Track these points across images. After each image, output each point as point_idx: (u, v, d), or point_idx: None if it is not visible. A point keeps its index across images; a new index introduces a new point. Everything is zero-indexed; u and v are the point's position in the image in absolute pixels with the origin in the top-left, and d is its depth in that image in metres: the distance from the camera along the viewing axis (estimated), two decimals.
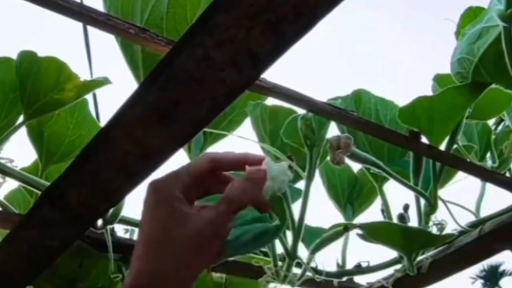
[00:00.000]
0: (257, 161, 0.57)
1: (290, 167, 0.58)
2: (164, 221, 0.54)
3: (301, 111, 0.98)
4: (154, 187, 0.55)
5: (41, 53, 0.96)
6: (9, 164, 0.95)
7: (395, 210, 1.13)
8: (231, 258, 1.13)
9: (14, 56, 0.97)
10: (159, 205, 0.54)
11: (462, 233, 1.12)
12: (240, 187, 0.55)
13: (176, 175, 0.56)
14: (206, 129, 1.02)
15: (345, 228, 1.05)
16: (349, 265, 1.14)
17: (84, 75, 0.98)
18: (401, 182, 1.06)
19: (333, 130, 1.03)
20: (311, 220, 1.05)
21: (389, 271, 1.13)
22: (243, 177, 0.56)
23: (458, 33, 1.05)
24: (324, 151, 1.00)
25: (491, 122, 1.19)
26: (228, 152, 0.58)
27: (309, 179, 1.01)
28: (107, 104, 1.07)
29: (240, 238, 0.88)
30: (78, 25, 0.99)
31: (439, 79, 1.13)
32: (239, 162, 0.57)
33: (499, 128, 1.21)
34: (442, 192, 1.09)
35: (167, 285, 0.53)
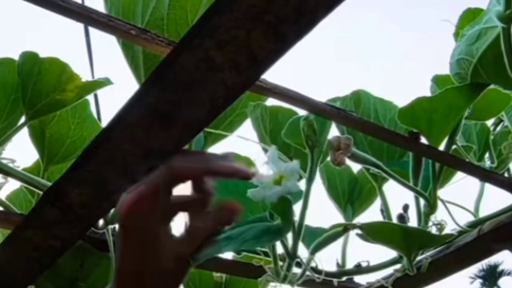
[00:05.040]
0: (225, 172, 0.52)
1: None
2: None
3: (301, 111, 0.98)
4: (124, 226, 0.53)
5: (43, 54, 0.96)
6: (11, 165, 0.95)
7: (395, 210, 1.13)
8: (232, 258, 1.13)
9: (15, 56, 0.98)
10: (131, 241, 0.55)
11: (461, 233, 1.12)
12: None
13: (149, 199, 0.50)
14: (208, 130, 1.02)
15: (345, 229, 1.05)
16: (349, 265, 1.14)
17: (85, 76, 0.98)
18: (401, 182, 1.06)
19: (333, 131, 1.03)
20: (311, 220, 1.05)
21: (389, 271, 1.14)
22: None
23: (457, 34, 1.05)
24: (324, 152, 1.01)
25: (489, 122, 1.19)
26: (190, 165, 0.51)
27: (310, 180, 1.01)
28: (108, 104, 1.08)
29: (241, 236, 0.88)
30: (79, 26, 1.00)
31: (438, 80, 1.13)
32: (204, 174, 0.51)
33: (498, 128, 1.21)
34: (442, 192, 1.09)
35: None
